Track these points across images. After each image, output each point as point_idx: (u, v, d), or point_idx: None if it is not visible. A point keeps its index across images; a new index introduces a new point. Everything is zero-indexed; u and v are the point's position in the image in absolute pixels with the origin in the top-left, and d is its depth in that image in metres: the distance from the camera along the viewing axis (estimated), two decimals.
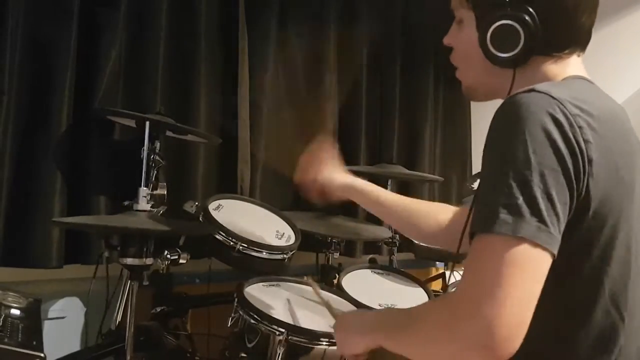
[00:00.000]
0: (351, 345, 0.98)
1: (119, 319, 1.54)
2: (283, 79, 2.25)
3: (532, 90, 0.78)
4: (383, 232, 2.19)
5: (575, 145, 0.75)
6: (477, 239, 0.74)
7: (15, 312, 1.27)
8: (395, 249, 2.21)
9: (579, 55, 0.92)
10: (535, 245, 0.70)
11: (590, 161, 0.75)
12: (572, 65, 0.91)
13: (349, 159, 2.39)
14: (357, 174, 2.34)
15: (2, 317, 1.20)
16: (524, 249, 0.70)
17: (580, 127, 0.76)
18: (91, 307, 1.65)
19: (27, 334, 1.17)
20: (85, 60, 1.69)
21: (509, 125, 0.76)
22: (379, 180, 2.28)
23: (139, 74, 1.82)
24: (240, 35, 2.10)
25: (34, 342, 1.14)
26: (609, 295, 0.80)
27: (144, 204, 1.46)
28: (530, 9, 0.86)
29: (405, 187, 2.57)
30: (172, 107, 1.85)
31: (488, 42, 0.90)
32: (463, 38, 0.95)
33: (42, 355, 1.09)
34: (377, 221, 2.35)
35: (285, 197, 2.20)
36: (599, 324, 0.80)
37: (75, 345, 1.77)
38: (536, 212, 0.71)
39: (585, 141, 0.75)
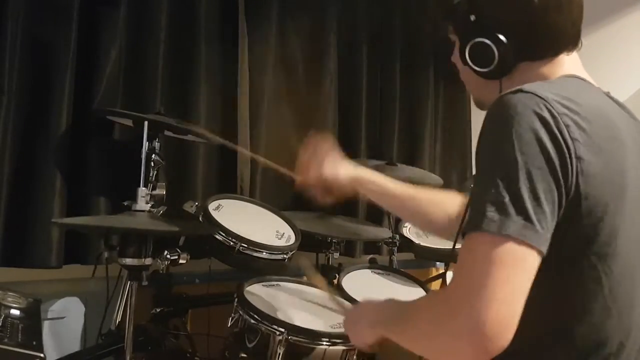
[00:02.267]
0: (362, 337, 1.02)
1: (118, 319, 1.54)
2: (283, 79, 2.25)
3: (519, 90, 0.79)
4: (383, 232, 2.19)
5: (563, 143, 0.75)
6: (467, 237, 0.76)
7: (15, 312, 1.27)
8: (395, 249, 2.21)
9: (568, 54, 0.93)
10: (521, 242, 0.72)
11: (579, 159, 0.76)
12: (564, 64, 0.93)
13: (349, 159, 2.39)
14: None
15: (2, 317, 1.20)
16: (510, 247, 0.71)
17: (567, 126, 0.76)
18: (91, 308, 1.64)
19: (26, 334, 1.17)
20: (85, 60, 1.69)
21: (496, 126, 0.79)
22: None
23: (139, 74, 1.82)
24: (240, 35, 2.10)
25: (34, 342, 1.14)
26: (608, 292, 0.81)
27: (142, 204, 1.45)
28: (499, 23, 0.91)
29: None
30: (172, 107, 1.85)
31: (469, 60, 0.95)
32: (457, 58, 1.00)
33: (41, 355, 1.09)
34: (377, 221, 2.36)
35: (285, 197, 2.20)
36: (597, 321, 0.81)
37: (74, 346, 1.77)
38: (522, 211, 0.72)
39: (573, 139, 0.76)
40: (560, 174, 0.75)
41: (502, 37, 0.90)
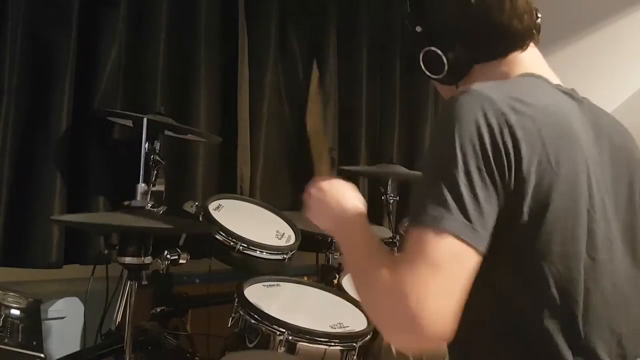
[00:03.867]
0: (318, 219, 1.04)
1: (118, 319, 1.54)
2: (283, 79, 2.25)
3: (467, 91, 0.81)
4: (383, 232, 2.19)
5: (502, 144, 0.76)
6: (410, 230, 0.77)
7: (15, 312, 1.27)
8: (396, 249, 2.21)
9: (523, 50, 0.93)
10: (459, 239, 0.73)
11: (521, 159, 0.77)
12: (522, 62, 0.93)
13: (349, 159, 2.40)
14: (357, 174, 2.37)
15: (2, 317, 1.20)
16: (447, 243, 0.73)
17: (510, 126, 0.77)
18: (91, 308, 1.64)
19: (27, 334, 1.16)
20: (85, 60, 1.69)
21: (442, 124, 0.81)
22: (379, 180, 2.29)
23: (139, 74, 1.82)
24: (240, 35, 2.10)
25: (34, 343, 1.14)
26: (556, 291, 0.80)
27: (142, 201, 1.45)
28: (443, 29, 0.95)
29: (405, 187, 2.56)
30: (172, 107, 1.85)
31: (424, 69, 1.00)
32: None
33: (41, 355, 1.09)
34: (377, 221, 2.36)
35: (285, 197, 2.20)
36: (550, 323, 0.80)
37: (74, 346, 1.77)
38: (461, 209, 0.74)
39: (516, 139, 0.77)
40: (497, 175, 0.76)
41: (448, 42, 0.94)
